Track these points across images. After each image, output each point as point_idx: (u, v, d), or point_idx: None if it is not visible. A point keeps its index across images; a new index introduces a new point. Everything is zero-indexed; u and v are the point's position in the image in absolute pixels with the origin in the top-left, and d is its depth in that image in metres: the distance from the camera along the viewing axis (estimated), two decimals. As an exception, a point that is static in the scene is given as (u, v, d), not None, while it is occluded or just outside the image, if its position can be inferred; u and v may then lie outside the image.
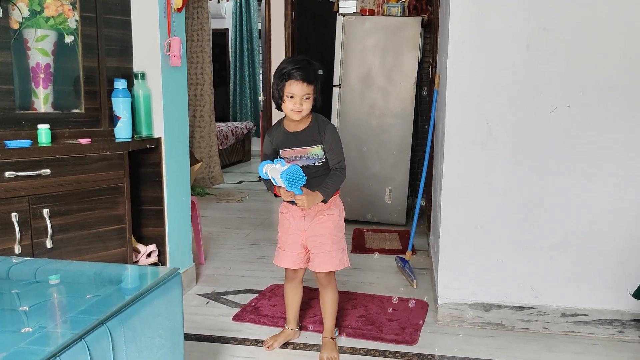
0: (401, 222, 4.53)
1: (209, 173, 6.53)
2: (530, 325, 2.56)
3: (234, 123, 8.68)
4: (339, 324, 2.59)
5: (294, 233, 2.32)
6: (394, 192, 4.50)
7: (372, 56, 4.42)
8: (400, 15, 4.44)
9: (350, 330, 2.53)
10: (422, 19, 4.34)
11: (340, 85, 4.51)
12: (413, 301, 2.85)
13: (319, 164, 2.22)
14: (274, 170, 2.08)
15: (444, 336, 2.51)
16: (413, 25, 4.30)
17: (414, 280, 3.13)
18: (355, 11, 5.45)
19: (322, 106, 2.25)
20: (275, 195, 2.26)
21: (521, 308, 2.56)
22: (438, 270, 2.65)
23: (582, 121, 2.40)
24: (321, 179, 2.19)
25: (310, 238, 2.28)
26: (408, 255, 3.34)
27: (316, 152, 2.20)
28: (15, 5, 2.29)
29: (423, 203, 4.79)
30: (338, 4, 6.28)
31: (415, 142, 4.54)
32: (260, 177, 2.28)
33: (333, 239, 2.25)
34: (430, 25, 4.50)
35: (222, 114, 9.96)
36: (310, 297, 2.90)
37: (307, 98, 2.13)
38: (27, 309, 1.28)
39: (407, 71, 4.37)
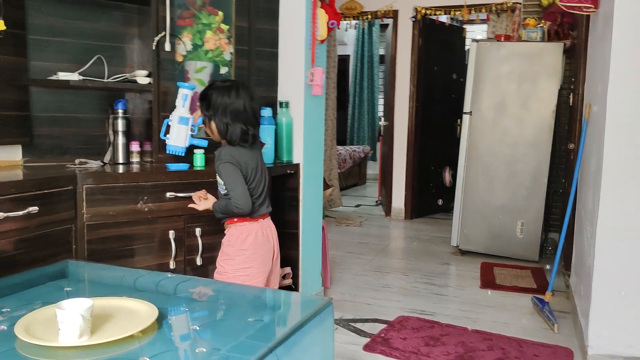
0: (533, 258, 4.25)
1: (328, 196, 6.63)
2: (701, 389, 2.25)
3: (352, 147, 8.79)
4: (475, 364, 2.46)
5: None
6: (527, 226, 4.24)
7: (506, 83, 4.25)
8: (539, 41, 4.23)
9: (488, 373, 2.39)
10: (564, 44, 4.10)
11: (470, 112, 4.38)
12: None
13: (222, 193, 2.11)
14: None
15: (595, 391, 2.29)
16: (554, 51, 4.08)
17: (555, 325, 2.90)
18: (487, 37, 5.31)
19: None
20: None
21: (689, 368, 2.26)
22: (588, 316, 2.43)
23: None
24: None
25: None
26: (547, 297, 3.11)
27: (218, 180, 2.11)
28: (181, 40, 2.50)
29: (556, 238, 4.47)
30: (466, 30, 6.16)
31: (550, 174, 4.26)
32: None
33: (220, 263, 2.17)
34: (573, 50, 4.24)
35: (340, 138, 10.13)
36: (442, 333, 2.80)
37: (203, 123, 2.13)
38: (198, 327, 1.35)
39: (545, 98, 4.14)
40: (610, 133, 2.31)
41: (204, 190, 2.20)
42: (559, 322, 2.97)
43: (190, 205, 2.17)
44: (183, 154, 2.40)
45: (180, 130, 2.37)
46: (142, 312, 1.30)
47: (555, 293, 3.52)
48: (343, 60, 10.51)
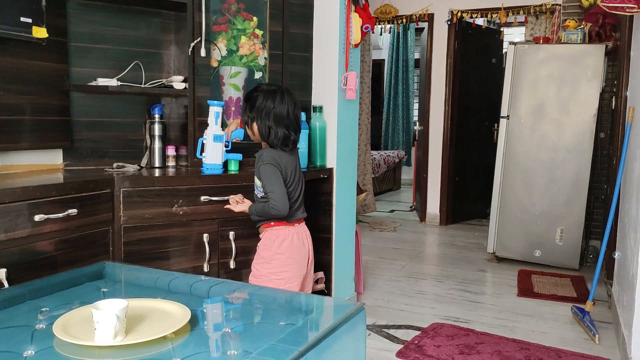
0: (573, 266, 4.12)
1: (362, 201, 6.60)
2: None
3: (386, 151, 8.74)
4: (512, 375, 2.40)
5: None
6: (567, 233, 4.12)
7: (545, 86, 4.15)
8: (580, 43, 4.12)
9: (525, 383, 2.32)
10: (606, 46, 3.98)
11: (508, 116, 4.29)
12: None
13: (259, 196, 2.12)
14: None
15: (640, 405, 2.20)
16: (595, 53, 3.96)
17: (597, 335, 2.80)
18: (524, 39, 5.20)
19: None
20: None
21: None
22: (632, 327, 2.34)
23: None
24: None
25: None
26: (588, 306, 3.00)
27: (256, 182, 2.13)
28: (216, 45, 2.54)
29: (597, 246, 4.32)
30: (503, 32, 6.05)
31: (592, 179, 4.13)
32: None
33: (256, 267, 2.17)
34: (615, 52, 4.11)
35: (374, 142, 10.09)
36: (477, 341, 2.74)
37: (246, 124, 2.13)
38: (229, 330, 1.36)
39: (587, 102, 4.02)
40: (656, 137, 2.22)
41: (240, 194, 2.22)
42: (600, 333, 2.87)
43: (227, 207, 2.19)
44: (220, 172, 2.42)
45: (216, 148, 2.38)
46: (176, 313, 1.32)
47: (597, 302, 3.40)
48: (378, 64, 10.47)
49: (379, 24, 6.18)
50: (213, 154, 2.39)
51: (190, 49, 2.43)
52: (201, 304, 1.54)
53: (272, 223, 2.13)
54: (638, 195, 2.41)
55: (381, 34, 8.02)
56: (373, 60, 8.38)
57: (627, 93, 3.27)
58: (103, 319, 1.13)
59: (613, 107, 3.99)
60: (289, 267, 2.13)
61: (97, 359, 1.14)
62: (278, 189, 2.03)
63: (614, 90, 4.02)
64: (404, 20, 5.93)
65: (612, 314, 3.11)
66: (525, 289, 3.64)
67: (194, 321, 1.34)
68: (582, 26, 4.26)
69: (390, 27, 6.28)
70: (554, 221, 4.16)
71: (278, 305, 1.61)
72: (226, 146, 2.43)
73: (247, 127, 2.13)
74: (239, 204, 2.18)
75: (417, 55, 9.55)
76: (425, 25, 5.98)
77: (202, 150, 2.42)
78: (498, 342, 2.75)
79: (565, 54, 4.07)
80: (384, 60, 10.48)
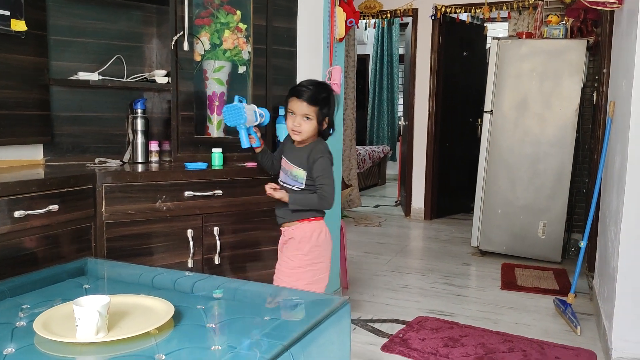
0: (556, 259, 4.17)
1: (347, 196, 6.61)
2: None
3: (371, 147, 8.75)
4: (495, 367, 2.43)
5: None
6: (549, 226, 4.17)
7: (528, 81, 4.18)
8: (562, 38, 4.16)
9: (509, 375, 2.35)
10: (588, 41, 4.02)
11: (491, 111, 4.33)
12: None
13: (297, 189, 2.14)
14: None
15: (620, 395, 2.23)
16: (577, 49, 4.00)
17: (578, 327, 2.84)
18: (509, 34, 5.23)
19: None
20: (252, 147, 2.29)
21: None
22: (612, 319, 2.38)
23: None
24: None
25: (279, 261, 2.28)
26: (570, 298, 3.05)
27: (298, 174, 2.14)
28: (199, 39, 2.51)
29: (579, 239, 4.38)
30: (487, 28, 6.08)
31: (574, 173, 4.18)
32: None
33: (291, 266, 2.19)
34: (597, 47, 4.16)
35: (359, 137, 10.09)
36: (461, 334, 2.77)
37: (307, 118, 2.08)
38: (214, 325, 1.35)
39: (569, 97, 4.06)
40: (635, 131, 2.25)
41: (273, 183, 2.20)
42: (582, 325, 2.91)
43: (269, 193, 2.15)
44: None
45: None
46: (159, 309, 1.31)
47: (579, 295, 3.45)
48: (362, 59, 10.47)
49: (364, 19, 6.18)
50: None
51: (173, 43, 2.40)
52: (185, 300, 1.53)
53: (312, 218, 2.17)
54: (618, 188, 2.45)
55: (365, 29, 8.02)
56: (358, 55, 8.38)
57: (609, 88, 3.31)
58: (85, 315, 1.12)
59: (594, 102, 4.04)
60: (324, 258, 2.21)
61: (79, 356, 1.13)
62: (332, 181, 2.11)
63: (595, 85, 4.07)
64: (389, 15, 5.94)
65: (594, 306, 3.15)
66: (509, 282, 3.67)
67: (178, 317, 1.33)
68: (564, 21, 4.30)
69: (375, 22, 6.28)
70: (536, 215, 4.20)
71: (263, 300, 1.61)
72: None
73: (305, 123, 2.09)
74: (276, 190, 2.16)
75: (401, 51, 9.56)
76: (409, 20, 6.00)
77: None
78: (482, 334, 2.77)
79: (548, 49, 4.11)
80: (368, 55, 10.47)
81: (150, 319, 1.24)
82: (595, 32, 4.20)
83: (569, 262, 4.24)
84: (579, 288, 3.57)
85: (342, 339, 1.51)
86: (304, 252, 2.17)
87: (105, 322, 1.16)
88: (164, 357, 1.12)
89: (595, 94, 4.05)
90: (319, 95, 2.09)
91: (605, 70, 3.49)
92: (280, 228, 2.26)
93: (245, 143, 2.23)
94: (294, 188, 2.15)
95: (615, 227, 2.47)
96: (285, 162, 2.19)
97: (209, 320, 1.40)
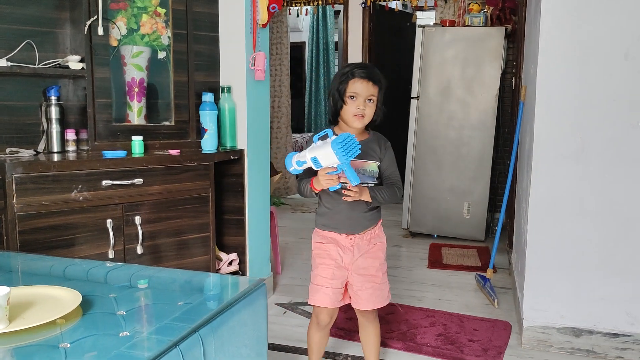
0: (480, 238, 4.38)
1: (284, 183, 6.64)
2: (626, 354, 2.38)
3: (309, 134, 8.80)
4: (416, 342, 2.53)
5: (339, 267, 1.97)
6: (473, 207, 4.36)
7: (451, 67, 4.33)
8: (482, 26, 4.33)
9: (429, 348, 2.46)
10: (506, 29, 4.21)
11: (418, 97, 4.46)
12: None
13: (372, 185, 1.93)
14: (314, 149, 1.73)
15: (530, 361, 2.39)
16: (496, 36, 4.18)
17: (496, 300, 3.00)
18: (434, 22, 5.38)
19: (380, 124, 1.99)
20: (316, 194, 1.94)
21: (615, 335, 2.39)
22: (523, 290, 2.53)
23: (689, 136, 2.22)
24: (369, 204, 1.94)
25: (360, 271, 1.97)
26: (489, 273, 3.21)
27: (373, 168, 1.93)
28: (115, 24, 2.44)
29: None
30: (416, 15, 6.22)
31: (495, 155, 4.39)
32: (296, 175, 1.98)
33: (383, 269, 2.03)
34: (514, 35, 4.36)
35: (297, 125, 10.11)
36: (387, 312, 2.86)
37: (370, 101, 1.86)
38: (124, 313, 1.34)
39: (489, 82, 4.25)
40: (540, 112, 2.39)
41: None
42: (500, 298, 3.08)
43: (353, 196, 1.85)
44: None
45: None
46: (65, 298, 1.29)
47: (499, 270, 3.65)
48: (299, 47, 10.45)
49: (296, 5, 6.17)
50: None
51: (87, 28, 2.32)
52: (97, 289, 1.50)
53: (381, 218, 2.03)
54: (528, 167, 2.60)
55: (298, 16, 8.02)
56: (294, 42, 8.36)
57: (522, 73, 3.49)
58: (-20, 307, 1.09)
59: (513, 87, 4.24)
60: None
61: (-25, 349, 1.10)
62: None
63: (514, 70, 4.26)
64: (320, 2, 5.96)
65: (511, 280, 3.34)
66: (435, 261, 3.82)
67: (87, 306, 1.31)
68: (484, 10, 4.48)
69: (307, 10, 6.28)
70: (461, 196, 4.39)
71: (178, 286, 1.61)
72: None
73: (368, 107, 1.87)
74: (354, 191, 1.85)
75: (337, 38, 9.62)
76: (341, 7, 6.05)
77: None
78: (407, 311, 2.88)
79: (469, 36, 4.27)
80: (304, 42, 10.47)
81: (56, 309, 1.22)
82: (513, 19, 4.39)
83: (491, 240, 4.45)
84: (501, 264, 3.77)
85: (257, 320, 1.53)
86: (385, 252, 2.05)
87: (6, 313, 1.13)
88: (68, 345, 1.11)
89: (513, 80, 4.25)
90: (378, 75, 1.88)
91: (520, 57, 3.67)
92: (357, 235, 1.96)
93: (357, 177, 1.78)
94: (369, 185, 1.91)
95: (525, 204, 2.62)
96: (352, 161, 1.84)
97: (120, 308, 1.39)
